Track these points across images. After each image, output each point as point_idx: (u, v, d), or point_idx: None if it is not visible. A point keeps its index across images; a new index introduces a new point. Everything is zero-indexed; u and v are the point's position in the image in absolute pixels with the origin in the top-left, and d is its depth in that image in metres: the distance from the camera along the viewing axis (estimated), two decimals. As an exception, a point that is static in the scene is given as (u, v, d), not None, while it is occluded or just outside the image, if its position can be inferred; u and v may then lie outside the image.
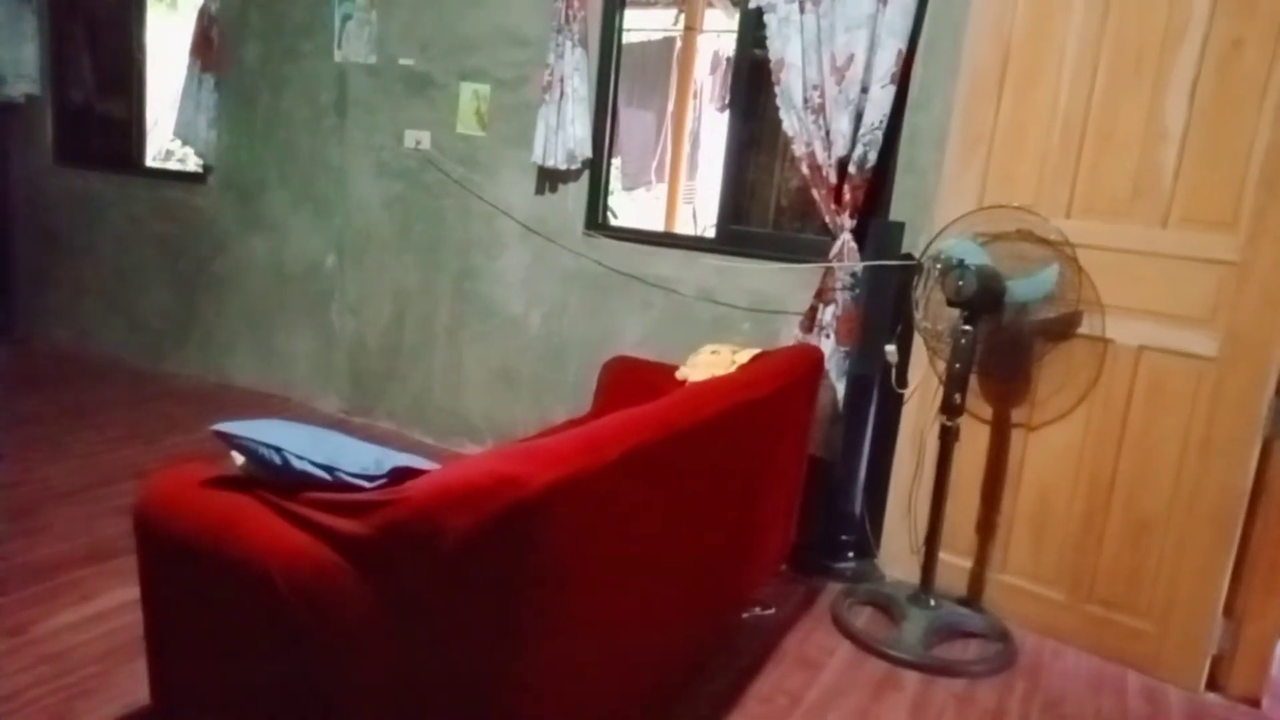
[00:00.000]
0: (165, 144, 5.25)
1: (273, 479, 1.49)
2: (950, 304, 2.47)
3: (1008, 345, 2.63)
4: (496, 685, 1.39)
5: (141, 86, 4.65)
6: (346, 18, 3.86)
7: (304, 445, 1.48)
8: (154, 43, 4.68)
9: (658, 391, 2.07)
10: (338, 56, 3.91)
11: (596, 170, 3.51)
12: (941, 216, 2.68)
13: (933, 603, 2.61)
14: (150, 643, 1.69)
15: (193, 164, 4.56)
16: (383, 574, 1.36)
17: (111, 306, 4.82)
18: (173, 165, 5.25)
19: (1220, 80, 2.32)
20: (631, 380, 2.82)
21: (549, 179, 3.54)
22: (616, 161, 4.28)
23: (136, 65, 4.62)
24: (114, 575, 2.40)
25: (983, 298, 2.41)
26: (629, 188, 6.22)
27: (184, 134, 4.26)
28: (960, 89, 2.71)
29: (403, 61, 3.77)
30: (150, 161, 4.91)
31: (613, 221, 3.72)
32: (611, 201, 3.74)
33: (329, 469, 1.44)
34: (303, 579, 1.40)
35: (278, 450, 1.46)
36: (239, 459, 1.54)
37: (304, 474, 1.45)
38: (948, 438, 2.55)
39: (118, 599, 2.29)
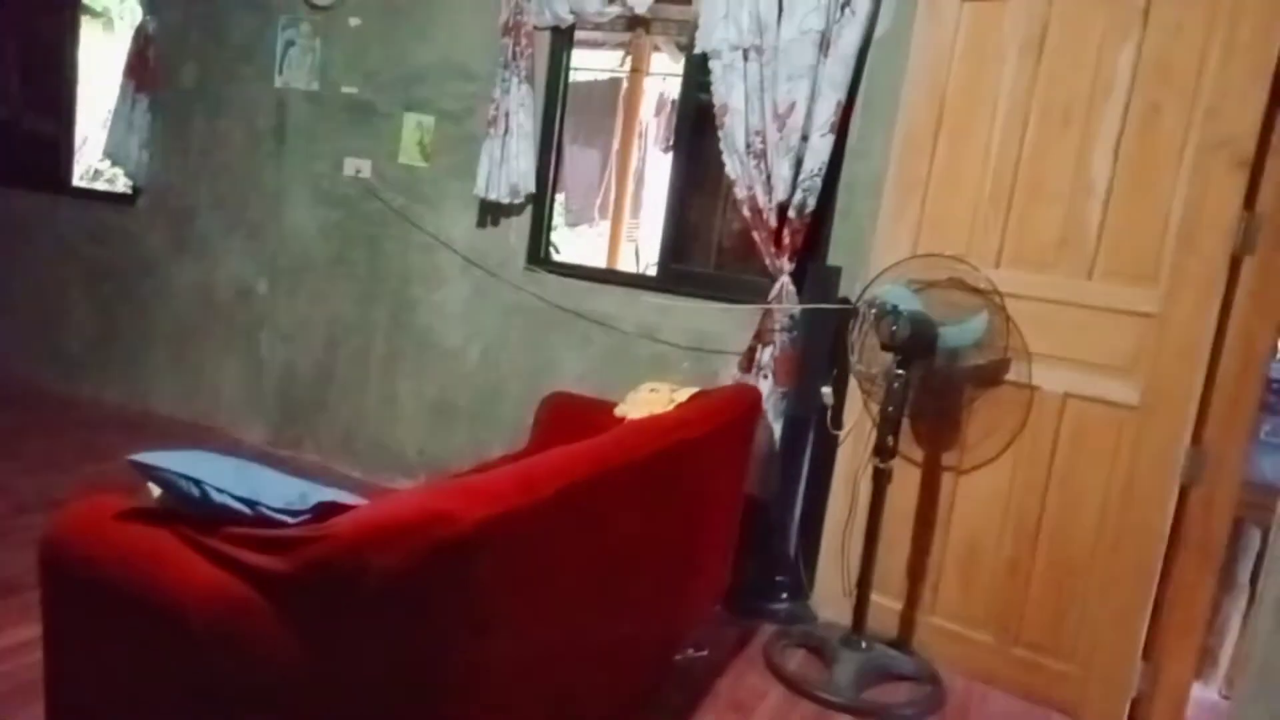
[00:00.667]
0: (94, 163, 5.09)
1: (192, 513, 1.43)
2: (884, 348, 2.52)
3: (939, 390, 2.69)
4: (421, 730, 1.34)
5: (72, 104, 4.52)
6: (289, 44, 3.82)
7: (225, 478, 1.43)
8: (87, 62, 4.56)
9: (595, 428, 2.05)
10: (279, 82, 3.86)
11: (540, 205, 3.51)
12: (877, 262, 2.74)
13: (864, 645, 2.62)
14: (49, 685, 1.60)
15: (122, 185, 4.43)
16: (305, 613, 1.31)
17: (30, 329, 4.62)
18: (101, 185, 5.10)
19: (1142, 140, 2.43)
20: (569, 416, 2.80)
21: (491, 212, 3.53)
22: (560, 197, 4.29)
23: (68, 83, 4.49)
24: (19, 611, 2.26)
25: (915, 343, 2.46)
26: (573, 224, 6.24)
27: (115, 154, 4.14)
28: (897, 139, 2.79)
29: (345, 89, 3.74)
30: (78, 181, 4.75)
31: (555, 257, 3.72)
32: (554, 237, 3.75)
33: (251, 503, 1.39)
34: (219, 618, 1.34)
35: (197, 482, 1.40)
36: (156, 491, 1.48)
37: (224, 508, 1.39)
38: (880, 480, 2.58)
39: (17, 637, 2.16)
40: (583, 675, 1.79)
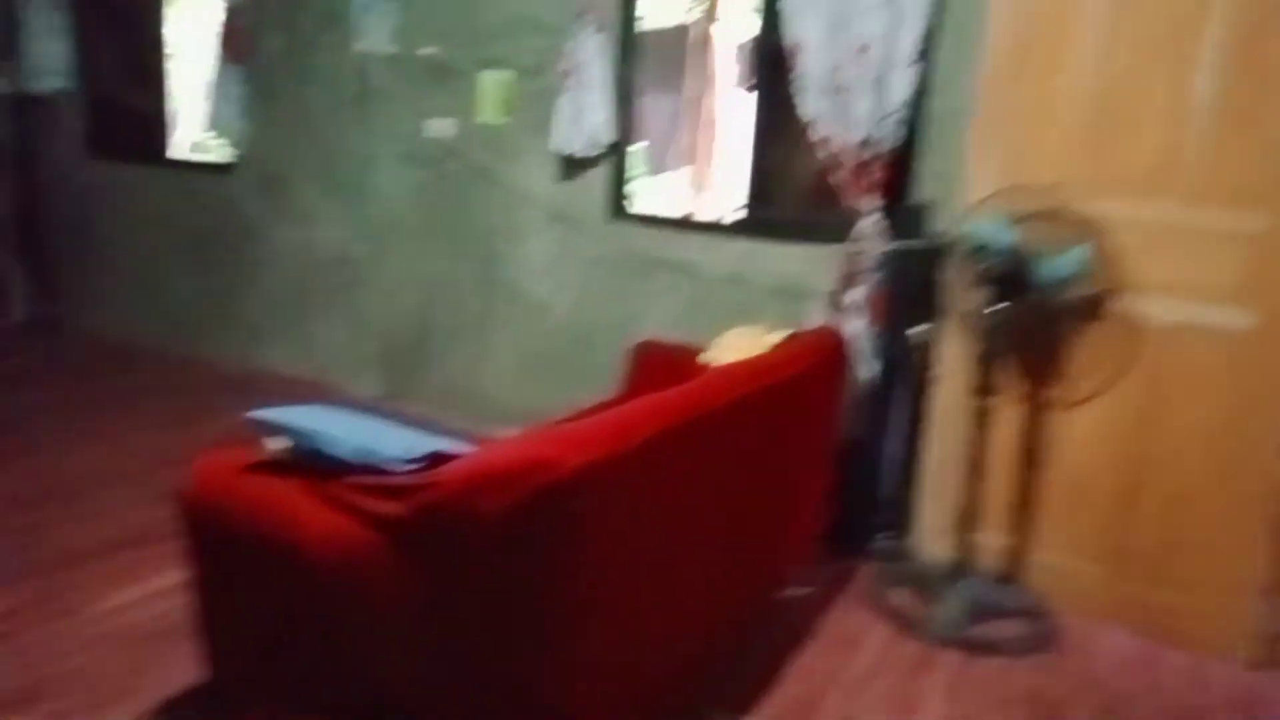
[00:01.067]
0: (195, 136, 5.31)
1: (311, 464, 1.52)
2: (979, 284, 2.46)
3: (1038, 325, 2.62)
4: (534, 665, 1.42)
5: (166, 79, 4.70)
6: (367, 8, 3.88)
7: (341, 430, 1.52)
8: (178, 35, 4.73)
9: (685, 375, 2.08)
10: (358, 47, 3.94)
11: (619, 156, 3.52)
12: (967, 196, 2.66)
13: (969, 582, 2.61)
14: (199, 623, 1.74)
15: (223, 155, 4.61)
16: (421, 555, 1.40)
17: (147, 295, 4.90)
18: (201, 156, 5.32)
19: (1247, 58, 2.29)
20: (659, 364, 2.83)
21: (571, 166, 3.55)
22: (640, 146, 4.27)
23: (162, 58, 4.67)
24: (159, 558, 2.45)
25: (1012, 278, 2.39)
26: (652, 172, 6.21)
27: (215, 125, 4.31)
28: (983, 68, 2.69)
29: (423, 51, 3.79)
30: (178, 153, 4.97)
31: (635, 207, 3.73)
32: (634, 187, 3.75)
33: (366, 453, 1.48)
34: (343, 560, 1.44)
35: (315, 435, 1.49)
36: (277, 444, 1.58)
37: (340, 459, 1.48)
38: (980, 418, 2.54)
39: (165, 581, 2.35)
40: (685, 613, 1.85)
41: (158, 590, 2.34)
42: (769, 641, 2.37)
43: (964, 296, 2.64)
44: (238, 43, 4.20)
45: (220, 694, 1.79)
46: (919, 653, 2.39)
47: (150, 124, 4.78)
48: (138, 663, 2.04)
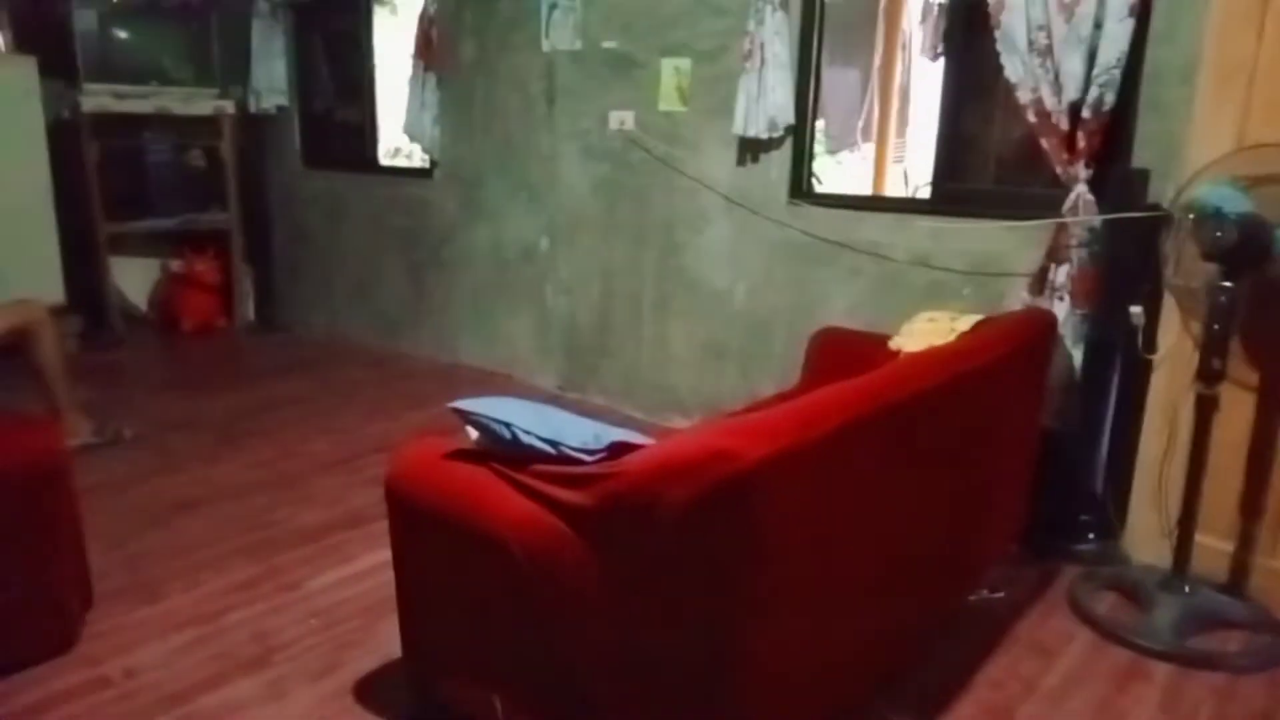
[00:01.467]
0: (393, 142, 5.68)
1: (504, 452, 1.58)
2: (1207, 258, 2.21)
3: (1277, 301, 2.32)
4: (716, 657, 1.41)
5: (372, 90, 5.05)
6: (553, 7, 3.99)
7: (530, 420, 1.56)
8: (381, 47, 5.07)
9: (870, 363, 2.00)
10: (545, 46, 4.06)
11: (799, 136, 3.43)
12: (1194, 160, 2.39)
13: (1188, 589, 2.36)
14: (401, 601, 1.86)
15: (419, 160, 4.90)
16: (605, 543, 1.42)
17: (357, 295, 5.31)
18: (400, 162, 5.68)
19: None
20: (841, 352, 2.75)
21: (750, 149, 3.50)
22: (820, 124, 4.15)
23: (367, 70, 5.03)
24: (371, 539, 2.66)
25: (1246, 249, 2.13)
26: (833, 151, 6.03)
27: (412, 131, 4.59)
28: (1213, 15, 2.40)
29: (606, 44, 3.86)
30: (384, 160, 5.34)
31: (817, 188, 3.63)
32: (816, 166, 3.65)
33: (553, 443, 1.52)
34: (533, 545, 1.48)
35: (508, 425, 1.55)
36: (473, 433, 1.65)
37: (531, 448, 1.53)
38: (1206, 407, 2.29)
39: (373, 560, 2.54)
40: (870, 612, 1.78)
41: (369, 567, 2.53)
42: (960, 645, 2.24)
43: (1188, 272, 2.38)
44: (433, 51, 4.44)
45: (418, 667, 1.91)
46: (1128, 663, 2.19)
47: (359, 134, 5.16)
48: (348, 635, 2.22)
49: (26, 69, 4.45)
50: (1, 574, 1.94)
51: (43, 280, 4.39)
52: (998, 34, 2.73)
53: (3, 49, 4.63)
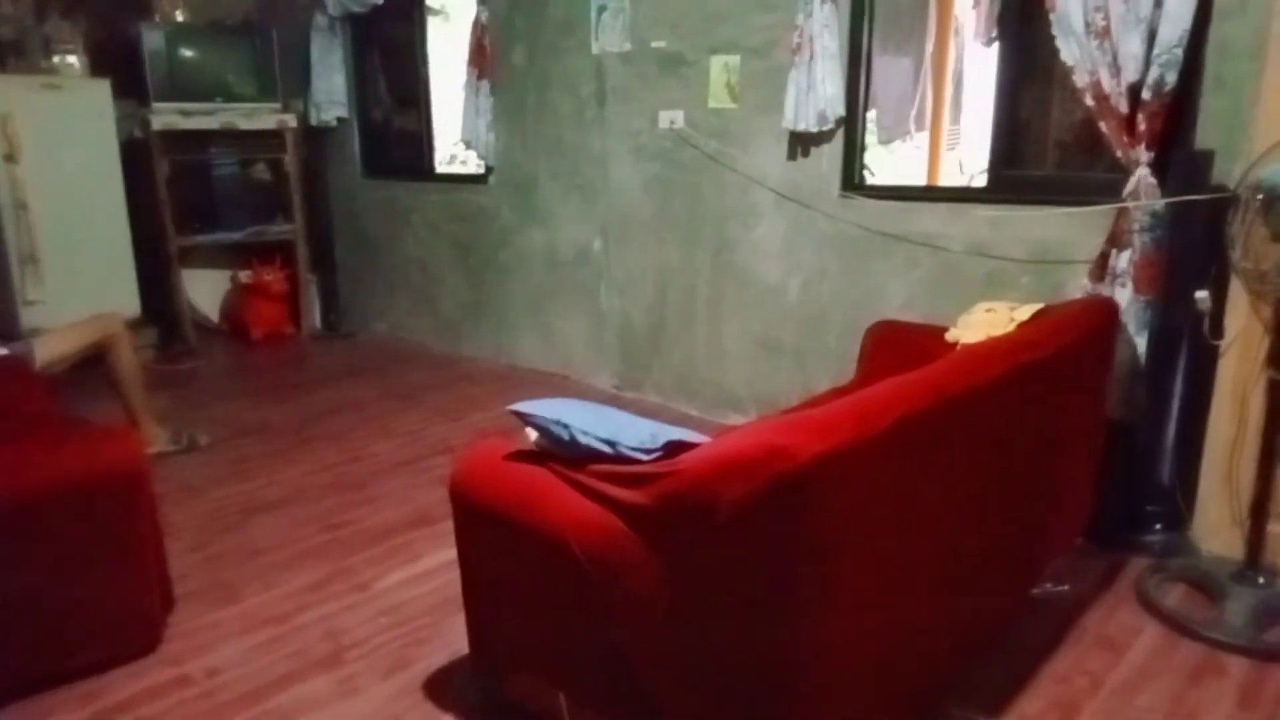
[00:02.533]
0: (450, 149, 5.78)
1: (563, 453, 1.62)
2: (1277, 239, 2.14)
3: (1356, 282, 2.24)
4: (776, 653, 1.42)
5: (428, 99, 5.15)
6: (602, 9, 4.02)
7: (588, 421, 1.60)
8: (435, 56, 5.16)
9: (927, 355, 1.99)
10: (595, 49, 4.10)
11: (851, 128, 3.41)
12: (1262, 139, 2.32)
13: (1261, 580, 2.30)
14: (467, 599, 1.91)
15: (474, 166, 4.98)
16: (664, 541, 1.44)
17: (417, 300, 5.42)
18: (456, 169, 5.78)
19: None
20: (898, 345, 2.73)
21: (801, 143, 3.49)
22: (872, 114, 4.11)
23: (422, 80, 5.12)
24: (437, 538, 2.73)
25: (1320, 230, 2.06)
26: (885, 141, 5.94)
27: (468, 138, 4.67)
28: (1283, -14, 2.32)
29: (655, 44, 3.87)
30: (441, 167, 5.44)
31: (870, 180, 3.60)
32: (868, 157, 3.62)
33: (611, 443, 1.54)
34: (593, 543, 1.51)
35: (566, 427, 1.58)
36: (533, 434, 1.69)
37: (590, 448, 1.56)
38: (1277, 393, 2.22)
39: (440, 559, 2.61)
40: (933, 607, 1.78)
41: (436, 566, 2.59)
42: (1026, 640, 2.21)
43: (1257, 254, 2.31)
44: (486, 58, 4.51)
45: (485, 664, 1.96)
46: (1200, 658, 2.14)
47: (416, 143, 5.27)
48: (416, 633, 2.28)
49: (101, 91, 4.65)
50: (88, 579, 2.04)
51: (119, 294, 4.59)
52: (1053, 16, 2.67)
53: (80, 73, 4.83)
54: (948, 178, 5.25)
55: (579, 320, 4.53)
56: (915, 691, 1.82)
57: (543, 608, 1.72)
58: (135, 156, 4.91)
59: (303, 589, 2.51)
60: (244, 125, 5.24)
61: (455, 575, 1.93)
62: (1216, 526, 2.57)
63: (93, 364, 3.28)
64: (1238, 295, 2.46)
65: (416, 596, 2.46)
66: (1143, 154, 2.57)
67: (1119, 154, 2.62)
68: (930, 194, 3.91)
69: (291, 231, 5.54)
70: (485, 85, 4.53)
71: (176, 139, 5.05)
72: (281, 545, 2.79)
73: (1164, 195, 2.54)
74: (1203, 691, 2.02)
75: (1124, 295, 2.62)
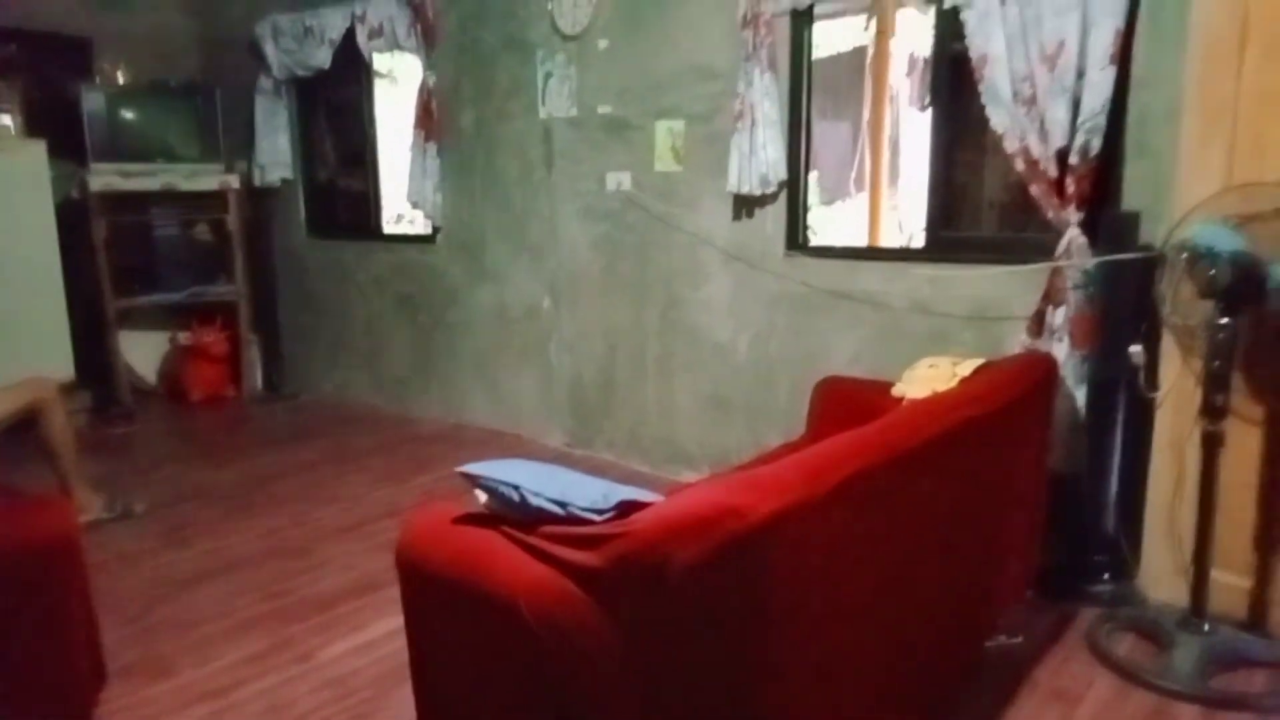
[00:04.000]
0: (395, 209, 5.78)
1: (513, 515, 1.59)
2: (1203, 296, 2.24)
3: (1276, 335, 2.34)
4: (735, 714, 1.39)
5: (375, 160, 5.16)
6: (548, 76, 4.10)
7: (539, 482, 1.57)
8: (381, 118, 5.18)
9: (874, 411, 2.01)
10: (542, 113, 4.16)
11: (793, 190, 3.50)
12: (1183, 201, 2.44)
13: (1207, 628, 2.34)
14: (414, 668, 1.85)
15: (422, 226, 4.98)
16: (617, 604, 1.41)
17: (363, 360, 5.35)
18: (404, 228, 5.77)
19: None
20: (846, 400, 2.76)
21: (746, 204, 3.57)
22: (814, 176, 4.23)
23: (369, 141, 5.14)
24: (382, 605, 2.65)
25: (1241, 286, 2.16)
26: (828, 202, 6.11)
27: (415, 199, 4.68)
28: (1192, 58, 2.47)
29: (601, 110, 3.95)
30: (388, 228, 5.42)
31: (813, 239, 3.68)
32: (811, 218, 3.71)
33: (562, 504, 1.52)
34: (545, 608, 1.47)
35: (516, 488, 1.56)
36: (482, 496, 1.66)
37: (540, 509, 1.53)
38: (1212, 444, 2.30)
39: (386, 628, 2.53)
40: (887, 663, 1.77)
41: (382, 635, 2.51)
42: (981, 694, 2.22)
43: (1185, 310, 2.41)
44: (433, 121, 4.55)
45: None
46: (1151, 707, 2.17)
47: (363, 203, 5.26)
48: (362, 706, 2.20)
49: (36, 152, 4.55)
50: (14, 655, 1.94)
51: (52, 357, 4.44)
52: (982, 86, 2.80)
53: (14, 133, 4.74)
54: (888, 237, 5.39)
55: (529, 378, 4.51)
56: (873, 751, 1.80)
57: (495, 676, 1.67)
58: (73, 217, 4.81)
59: (242, 661, 2.41)
60: (185, 186, 5.18)
61: (403, 644, 1.86)
62: (1162, 575, 2.62)
63: (23, 430, 3.16)
64: (1170, 350, 2.55)
65: (362, 667, 2.38)
66: (1073, 215, 2.68)
67: (1050, 215, 2.73)
68: (872, 254, 4.02)
69: (233, 292, 5.44)
70: (432, 147, 4.56)
71: (116, 200, 4.97)
72: (220, 616, 2.68)
73: (1094, 254, 2.64)
74: (1154, 742, 2.03)
75: (1061, 350, 2.70)
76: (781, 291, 3.52)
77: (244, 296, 5.47)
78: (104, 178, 4.88)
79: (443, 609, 1.74)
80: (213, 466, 4.20)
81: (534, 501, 1.54)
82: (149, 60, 5.43)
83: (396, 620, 1.86)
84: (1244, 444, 2.44)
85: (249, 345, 5.57)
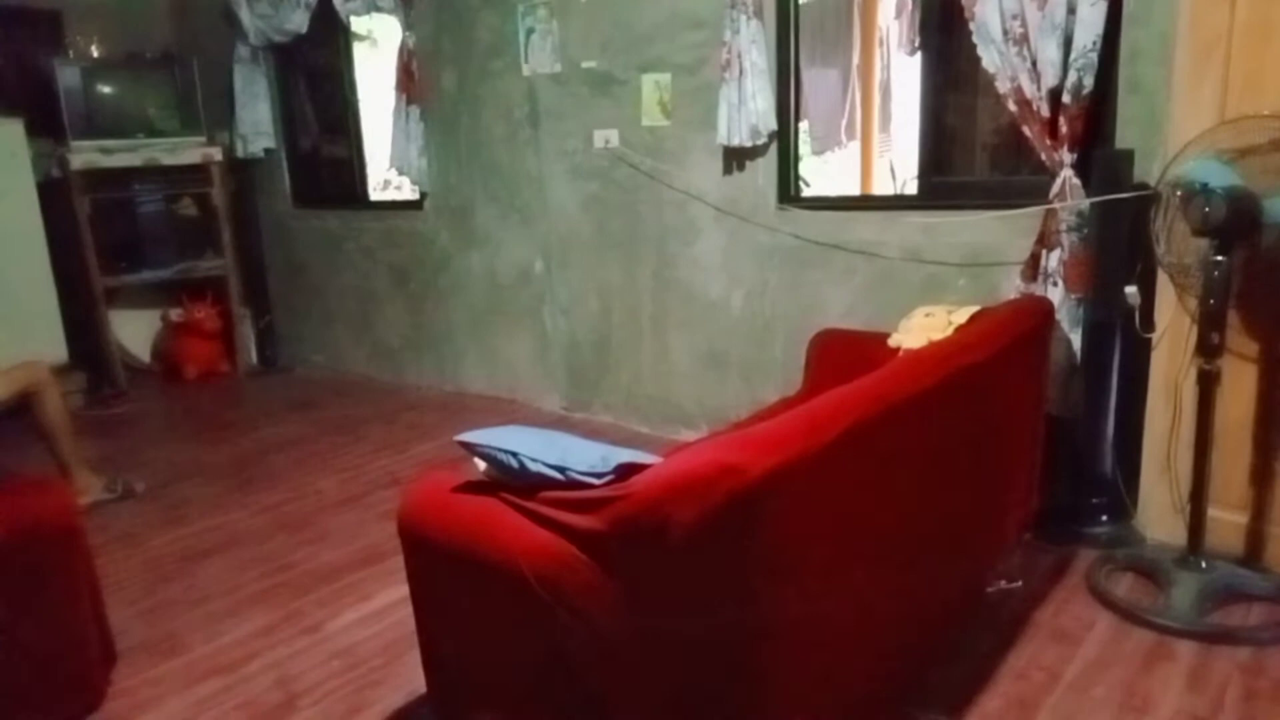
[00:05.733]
0: (382, 175, 5.71)
1: (513, 481, 1.59)
2: (1197, 233, 2.22)
3: (1271, 271, 2.33)
4: (737, 670, 1.41)
5: (358, 126, 5.08)
6: (530, 31, 4.02)
7: (537, 448, 1.57)
8: (363, 82, 5.10)
9: (871, 362, 2.01)
10: (525, 70, 4.08)
11: (784, 141, 3.45)
12: (1177, 137, 2.41)
13: (1204, 564, 2.36)
14: (421, 636, 1.86)
15: (409, 192, 4.93)
16: (620, 565, 1.42)
17: (356, 331, 5.32)
18: (391, 195, 5.71)
19: None
20: (842, 353, 2.75)
21: (736, 157, 3.52)
22: (804, 126, 4.18)
23: (351, 107, 5.05)
24: (387, 575, 2.66)
25: (1235, 222, 2.14)
26: (819, 151, 6.04)
27: (399, 164, 4.61)
28: (1187, -11, 2.42)
29: (585, 65, 3.88)
30: (375, 195, 5.36)
31: (805, 191, 3.64)
32: (802, 169, 3.67)
33: (561, 469, 1.52)
34: (548, 572, 1.48)
35: (514, 455, 1.55)
36: (481, 464, 1.66)
37: (539, 475, 1.53)
38: (1208, 382, 2.30)
39: (391, 597, 2.54)
40: (889, 611, 1.79)
41: (388, 604, 2.53)
42: (981, 638, 2.24)
43: (1180, 249, 2.39)
44: (415, 83, 4.47)
45: (444, 702, 1.91)
46: (1150, 644, 2.19)
47: (347, 171, 5.19)
48: (371, 675, 2.22)
49: (13, 130, 4.49)
50: (24, 638, 1.95)
51: (44, 340, 4.42)
52: (972, 25, 2.74)
53: (-11, 114, 4.66)
54: (881, 185, 5.35)
55: (524, 343, 4.49)
56: (876, 695, 1.83)
57: (500, 641, 1.69)
58: (55, 196, 4.74)
59: (250, 636, 2.43)
60: (167, 160, 5.10)
61: (408, 613, 1.87)
62: (1159, 515, 2.64)
63: (19, 414, 3.15)
64: (1165, 289, 2.54)
65: (369, 637, 2.39)
66: (1066, 156, 2.65)
67: (1043, 157, 2.70)
68: (864, 203, 3.99)
69: (222, 266, 5.40)
70: (415, 110, 4.48)
71: (98, 177, 4.90)
72: (226, 591, 2.69)
73: (1088, 195, 2.62)
74: (1154, 677, 2.06)
75: (1056, 294, 2.69)
76: (774, 245, 3.50)
77: (233, 270, 5.42)
78: (85, 155, 4.80)
79: (446, 577, 1.74)
80: (210, 443, 4.20)
81: (533, 467, 1.54)
82: (120, 31, 5.32)
83: (402, 589, 1.87)
84: (1240, 381, 2.44)
85: (241, 320, 5.54)
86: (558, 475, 1.52)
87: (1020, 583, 2.48)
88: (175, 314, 5.36)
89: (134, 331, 5.49)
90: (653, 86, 3.69)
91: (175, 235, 5.49)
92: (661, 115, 3.70)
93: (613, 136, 3.86)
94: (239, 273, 5.47)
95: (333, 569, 2.80)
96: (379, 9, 4.50)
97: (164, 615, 2.56)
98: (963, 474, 2.06)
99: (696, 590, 1.37)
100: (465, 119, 4.41)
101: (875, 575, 1.72)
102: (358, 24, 4.95)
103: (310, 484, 3.57)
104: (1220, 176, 2.20)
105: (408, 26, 4.40)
